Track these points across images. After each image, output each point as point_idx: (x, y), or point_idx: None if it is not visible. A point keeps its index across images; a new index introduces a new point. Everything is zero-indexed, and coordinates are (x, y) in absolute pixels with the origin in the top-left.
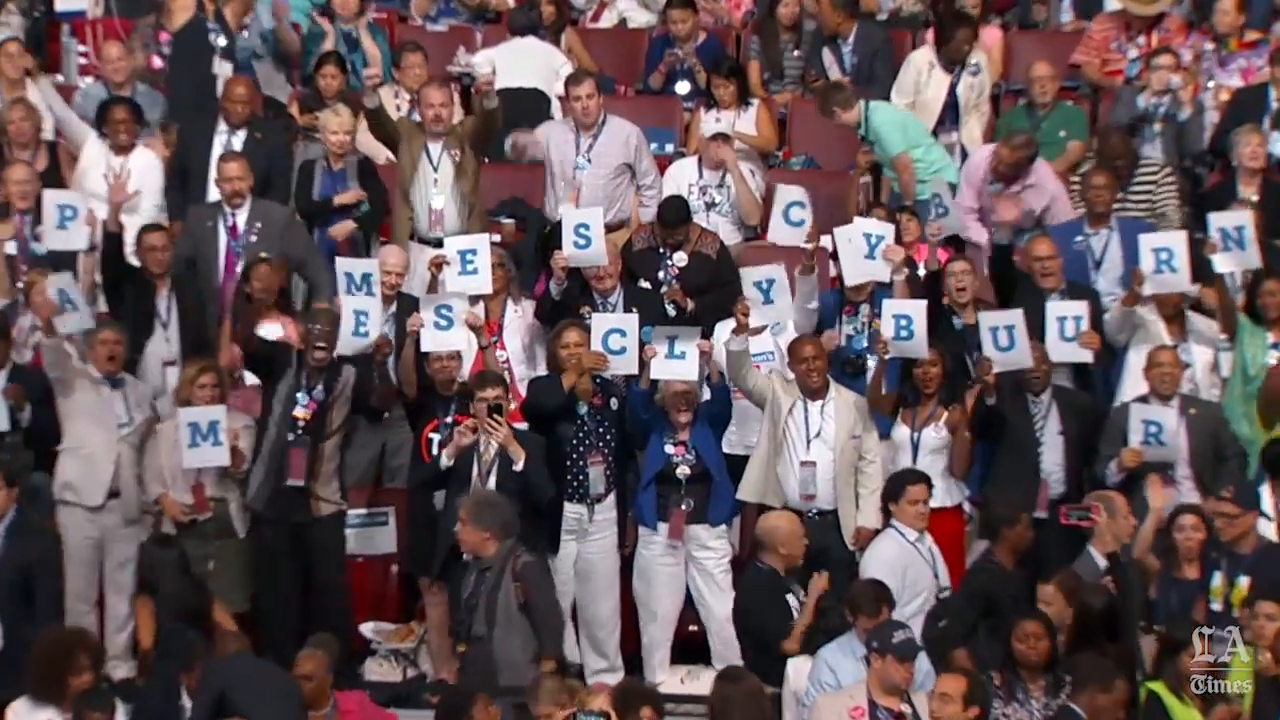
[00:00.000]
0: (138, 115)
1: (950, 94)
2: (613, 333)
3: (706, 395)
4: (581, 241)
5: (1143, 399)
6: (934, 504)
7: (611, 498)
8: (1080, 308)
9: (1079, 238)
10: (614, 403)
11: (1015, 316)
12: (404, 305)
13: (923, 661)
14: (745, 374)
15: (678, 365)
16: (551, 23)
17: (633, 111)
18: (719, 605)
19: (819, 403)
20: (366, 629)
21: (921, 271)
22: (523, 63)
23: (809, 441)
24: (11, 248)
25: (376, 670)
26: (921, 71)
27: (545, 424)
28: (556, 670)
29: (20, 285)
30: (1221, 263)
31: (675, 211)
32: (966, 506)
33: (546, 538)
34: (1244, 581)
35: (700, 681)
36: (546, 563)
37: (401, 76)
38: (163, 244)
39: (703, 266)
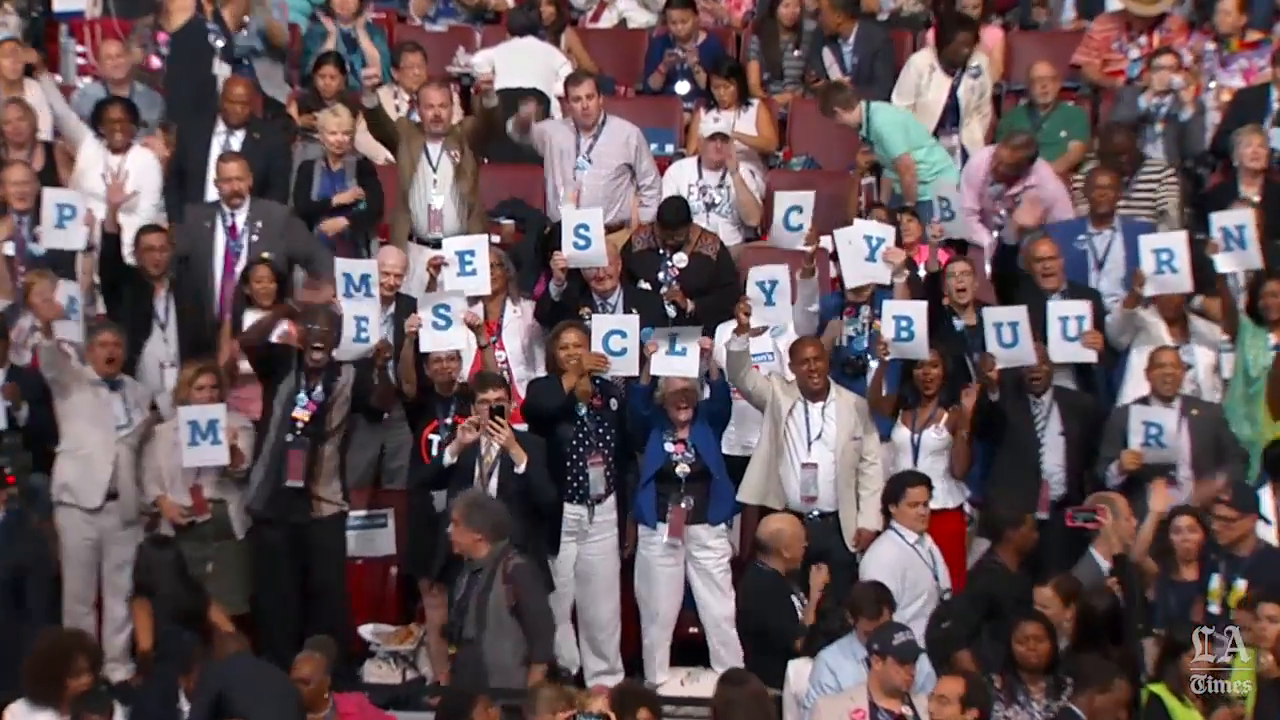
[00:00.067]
0: (133, 115)
1: (951, 96)
2: (613, 334)
3: (706, 394)
4: (581, 242)
5: (1144, 400)
6: (935, 505)
7: (612, 499)
8: (1083, 307)
9: (1081, 237)
10: (613, 403)
11: (1019, 313)
12: (403, 306)
13: (924, 664)
14: (745, 375)
15: (678, 362)
16: (551, 23)
17: (632, 112)
18: (718, 606)
19: (819, 404)
20: (366, 631)
21: (922, 272)
22: (522, 63)
23: (810, 443)
24: (9, 248)
25: (376, 672)
26: (922, 74)
27: (545, 425)
28: (548, 674)
29: (19, 286)
30: (1224, 263)
31: (675, 212)
32: (967, 508)
33: (547, 539)
34: (1241, 585)
35: (700, 683)
36: (538, 566)
37: (401, 77)
38: (161, 245)
39: (703, 267)
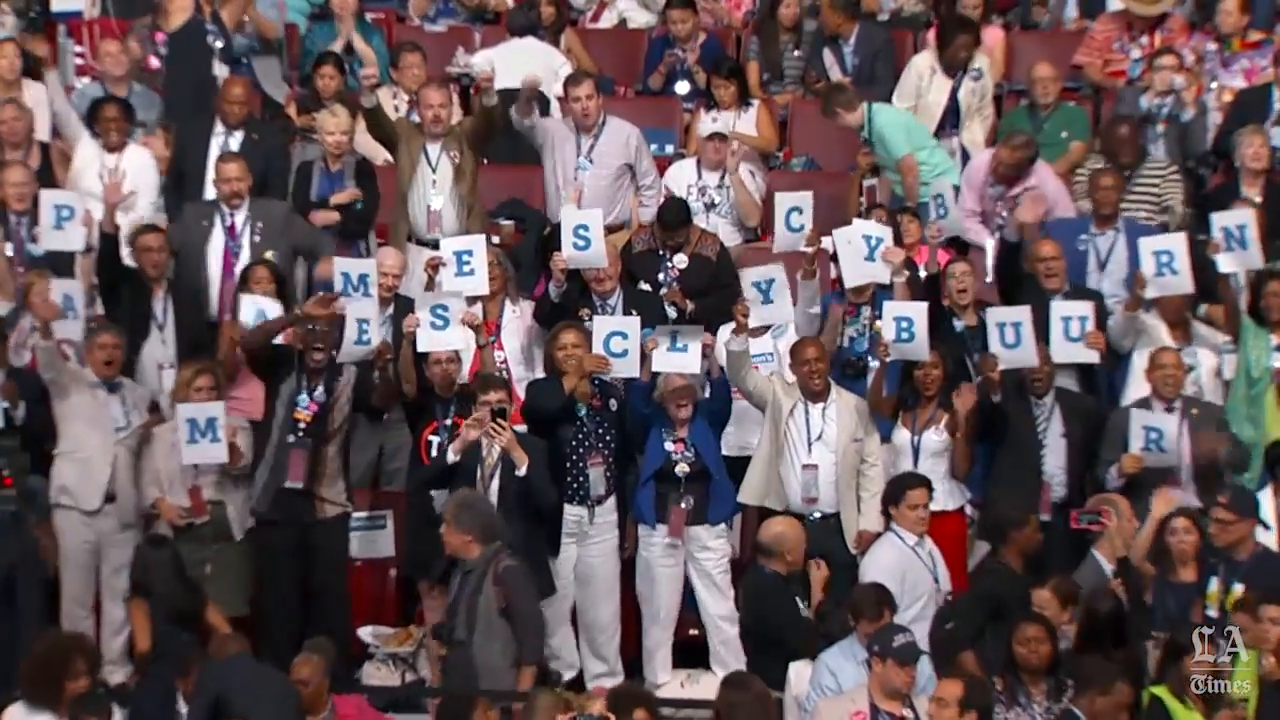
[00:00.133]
0: (129, 114)
1: (951, 98)
2: (614, 335)
3: (707, 393)
4: (581, 243)
5: (1144, 402)
6: (935, 507)
7: (612, 500)
8: (1085, 308)
9: (1083, 236)
10: (613, 404)
11: (1022, 313)
12: (401, 307)
13: (924, 666)
14: (745, 375)
15: (679, 358)
16: (551, 23)
17: (632, 112)
18: (718, 606)
19: (820, 405)
20: (365, 633)
21: (922, 274)
22: (522, 63)
23: (810, 444)
24: (8, 249)
25: (375, 674)
26: (923, 76)
27: (545, 427)
28: (537, 676)
29: (19, 288)
30: (1225, 263)
31: (676, 214)
32: (968, 509)
33: (547, 541)
34: (1239, 589)
35: (700, 685)
36: (538, 567)
37: (400, 77)
38: (159, 245)
39: (703, 268)
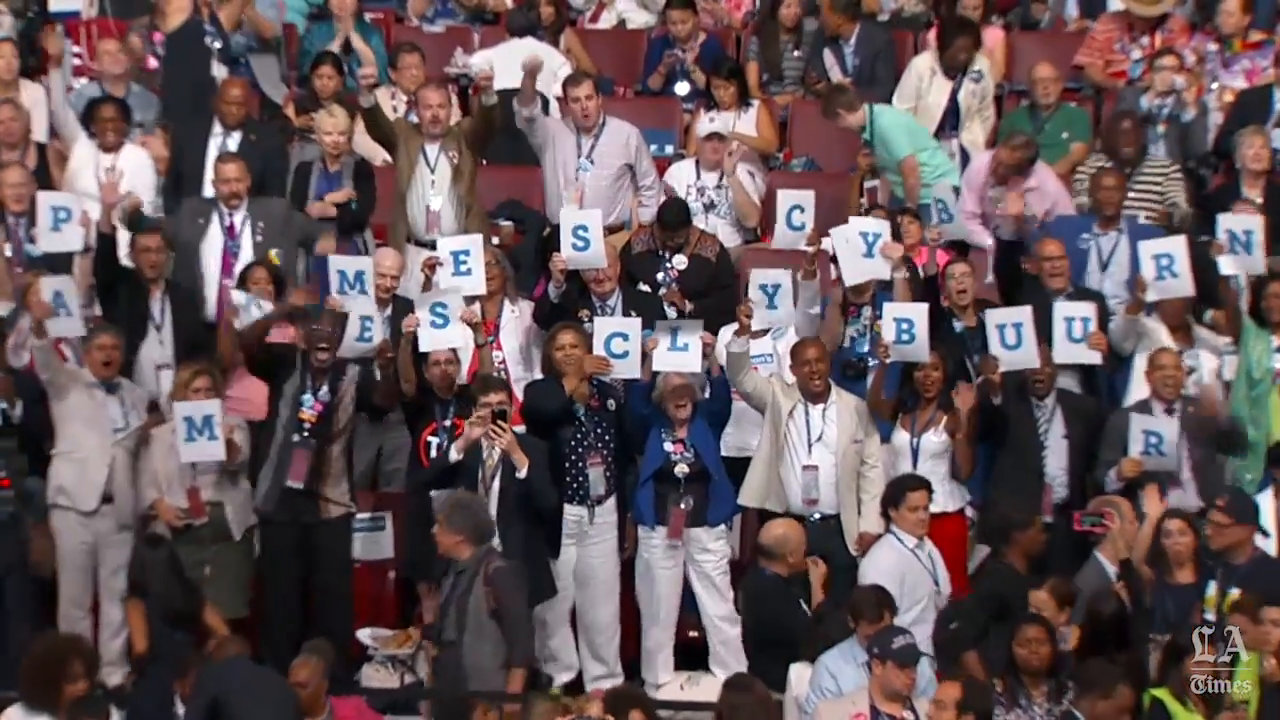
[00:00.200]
0: (125, 114)
1: (951, 100)
2: (615, 336)
3: (706, 393)
4: (580, 243)
5: (1144, 404)
6: (935, 508)
7: (612, 500)
8: (1088, 309)
9: (1085, 236)
10: (611, 404)
11: (1023, 314)
12: (399, 308)
13: (925, 668)
14: (744, 376)
15: (680, 357)
16: (550, 23)
17: (632, 113)
18: (718, 608)
19: (820, 406)
20: (364, 635)
21: (921, 275)
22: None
23: (810, 446)
24: (7, 250)
25: (374, 676)
26: (923, 77)
27: (545, 428)
28: (526, 678)
29: (17, 289)
30: (1227, 265)
31: (676, 214)
32: (969, 511)
33: (548, 542)
34: (1236, 594)
35: (700, 687)
36: (530, 570)
37: (398, 77)
38: (157, 246)
39: (702, 269)
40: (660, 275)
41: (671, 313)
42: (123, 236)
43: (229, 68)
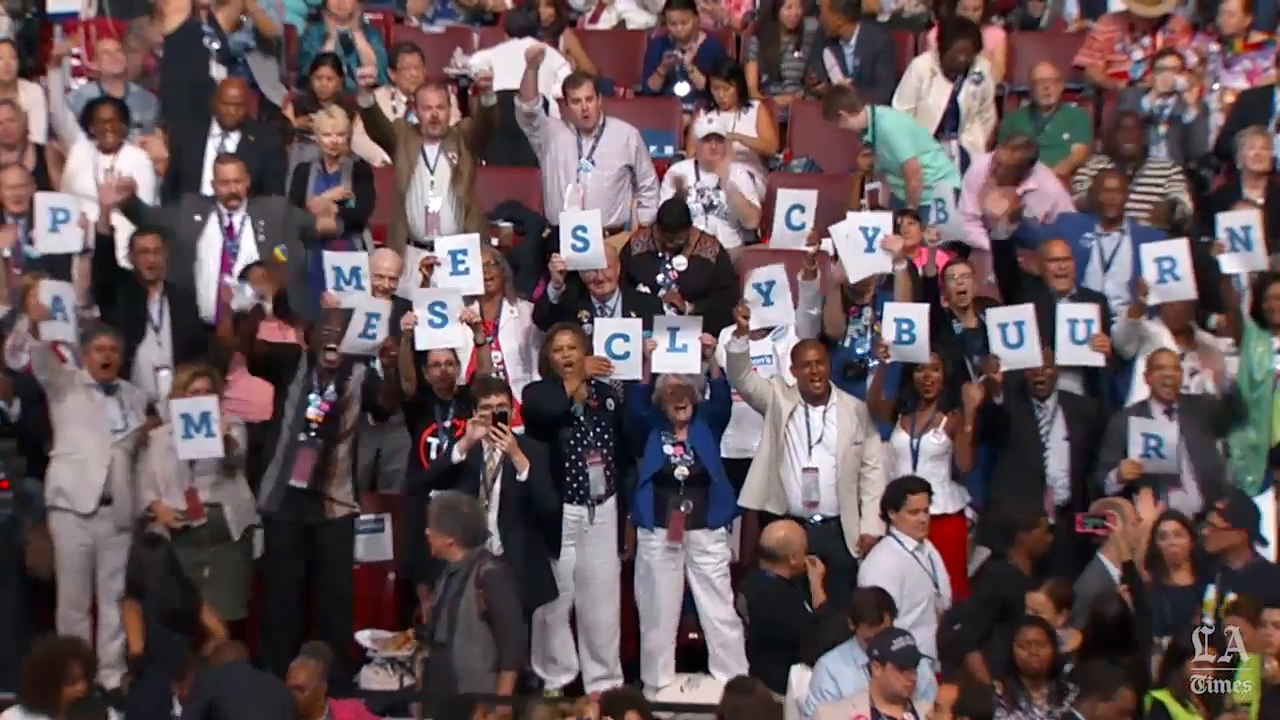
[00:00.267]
0: (124, 115)
1: (951, 101)
2: (616, 337)
3: (706, 395)
4: (579, 244)
5: (1142, 406)
6: (935, 510)
7: (612, 501)
8: (1091, 310)
9: (1088, 234)
10: (610, 403)
11: (1025, 312)
12: (398, 309)
13: (925, 670)
14: (745, 377)
15: (679, 358)
16: (550, 24)
17: (631, 113)
18: (718, 610)
19: (820, 408)
20: (363, 637)
21: (921, 276)
22: (521, 64)
23: (810, 447)
24: (5, 251)
25: (373, 678)
26: (923, 78)
27: (544, 429)
28: (517, 681)
29: (15, 290)
30: (1229, 264)
31: (676, 215)
32: (968, 513)
33: (548, 544)
34: (1234, 598)
35: (700, 690)
36: (511, 572)
37: (398, 78)
38: (155, 247)
39: (702, 270)
40: (660, 276)
41: (671, 314)
42: (121, 238)
43: (227, 68)
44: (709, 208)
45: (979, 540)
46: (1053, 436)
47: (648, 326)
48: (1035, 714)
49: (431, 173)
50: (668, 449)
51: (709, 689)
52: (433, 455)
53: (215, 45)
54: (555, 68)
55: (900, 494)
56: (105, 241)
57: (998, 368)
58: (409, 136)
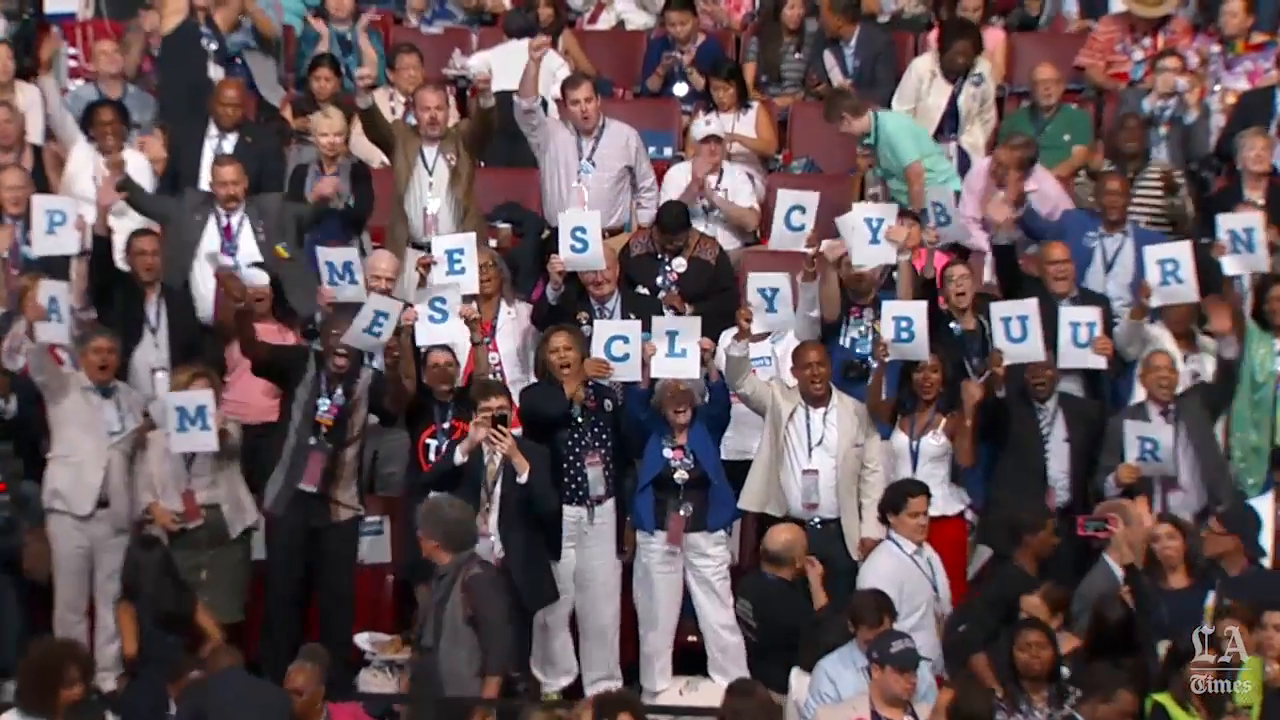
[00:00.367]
0: (124, 117)
1: (951, 103)
2: (615, 339)
3: (706, 398)
4: (578, 245)
5: (1139, 409)
6: (935, 512)
7: (611, 502)
8: (1093, 313)
9: (1091, 234)
10: (607, 404)
11: (1029, 306)
12: None
13: (925, 673)
14: (744, 380)
15: (678, 363)
16: (548, 25)
17: (631, 114)
18: (717, 614)
19: (820, 410)
20: (362, 639)
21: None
22: (519, 65)
23: (810, 449)
24: (4, 252)
25: (372, 681)
26: (923, 79)
27: (543, 431)
28: (501, 686)
29: (13, 292)
30: (1230, 265)
31: (675, 217)
32: (968, 514)
33: (548, 546)
34: (1227, 605)
35: (699, 692)
36: (498, 577)
37: (396, 79)
38: (152, 249)
39: (701, 272)
40: (659, 278)
41: (670, 315)
42: (119, 240)
43: (225, 68)
44: (708, 209)
45: (981, 541)
46: (1053, 438)
47: (647, 328)
48: (1036, 717)
49: (430, 174)
50: (667, 452)
51: (708, 692)
52: (431, 457)
53: (213, 46)
54: (554, 68)
55: (900, 497)
56: (103, 243)
57: (1001, 361)
58: (407, 138)
